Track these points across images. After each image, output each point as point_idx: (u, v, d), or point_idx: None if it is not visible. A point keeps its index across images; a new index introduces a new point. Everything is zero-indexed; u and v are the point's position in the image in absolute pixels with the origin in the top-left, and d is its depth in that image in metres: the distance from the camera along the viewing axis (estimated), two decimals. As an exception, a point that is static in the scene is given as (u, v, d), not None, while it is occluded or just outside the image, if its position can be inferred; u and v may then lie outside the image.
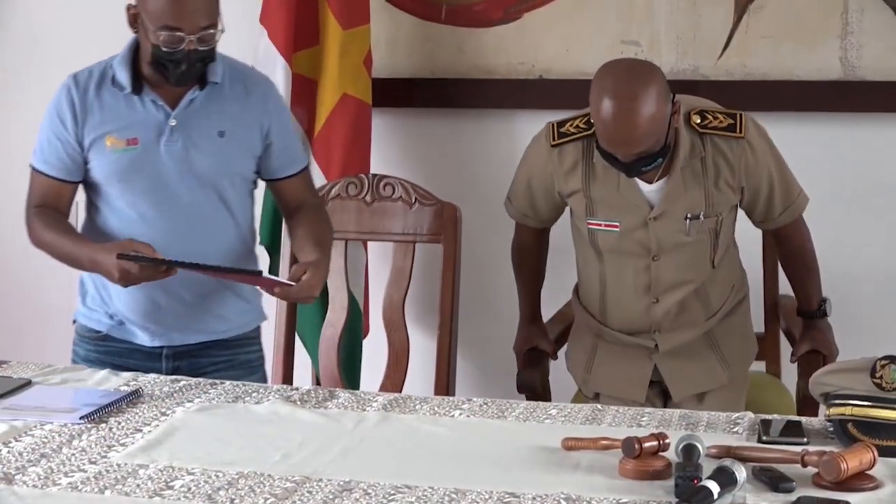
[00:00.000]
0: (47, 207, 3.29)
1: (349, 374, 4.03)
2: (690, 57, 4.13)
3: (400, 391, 3.61)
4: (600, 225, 3.43)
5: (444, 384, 3.68)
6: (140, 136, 3.23)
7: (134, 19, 3.20)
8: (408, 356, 3.72)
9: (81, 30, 4.49)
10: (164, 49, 3.12)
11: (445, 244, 3.71)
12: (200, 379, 3.10)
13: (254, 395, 2.98)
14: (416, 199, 3.73)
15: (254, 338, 3.50)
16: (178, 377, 3.11)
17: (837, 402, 2.68)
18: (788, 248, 3.62)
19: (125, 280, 3.07)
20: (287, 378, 3.74)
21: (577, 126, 3.43)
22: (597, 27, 4.18)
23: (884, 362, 2.64)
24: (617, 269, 3.48)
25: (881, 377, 2.63)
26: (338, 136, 4.15)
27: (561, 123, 3.47)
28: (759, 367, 3.83)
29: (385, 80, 4.26)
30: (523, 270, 3.79)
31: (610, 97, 3.19)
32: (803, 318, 3.68)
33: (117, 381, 3.04)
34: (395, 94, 4.30)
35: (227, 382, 3.06)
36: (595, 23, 4.18)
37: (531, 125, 4.18)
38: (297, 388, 3.05)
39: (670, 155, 3.32)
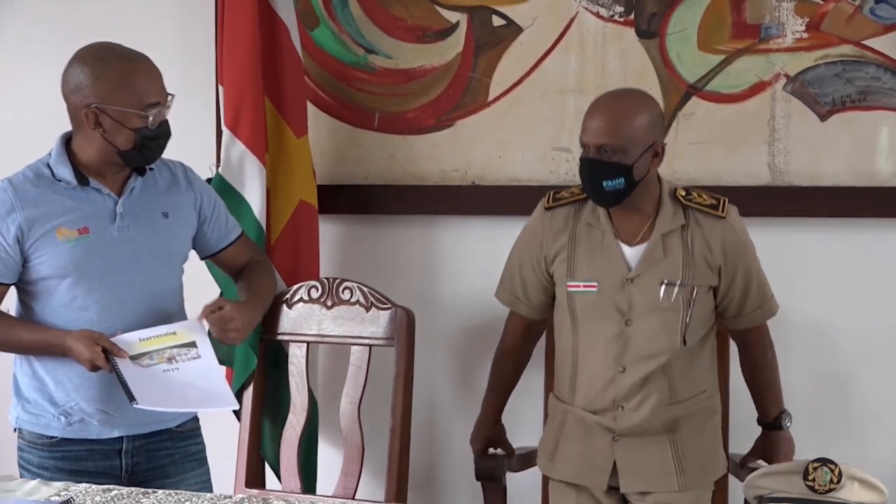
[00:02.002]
0: None
1: (308, 473, 4.07)
2: (621, 163, 4.17)
3: (355, 490, 3.71)
4: (579, 286, 3.51)
5: (396, 485, 3.73)
6: (90, 225, 3.31)
7: (96, 118, 3.26)
8: (362, 456, 3.75)
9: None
10: (150, 128, 3.26)
11: (399, 347, 3.74)
12: (133, 488, 3.07)
13: (187, 503, 2.96)
14: (372, 302, 3.77)
15: (196, 429, 3.57)
16: (110, 486, 3.07)
17: (771, 504, 2.69)
18: (752, 355, 3.68)
19: (94, 368, 3.20)
20: (257, 476, 3.92)
21: (572, 192, 3.60)
22: (528, 134, 4.23)
23: (816, 465, 2.66)
24: (590, 334, 3.51)
25: (814, 479, 2.65)
26: (296, 242, 4.19)
27: (558, 191, 3.63)
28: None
29: (319, 187, 4.27)
30: (500, 371, 3.82)
31: (602, 95, 3.50)
32: (762, 428, 3.73)
33: (48, 491, 3.00)
34: (329, 200, 4.31)
35: (160, 492, 3.03)
36: (526, 130, 4.23)
37: (466, 231, 4.24)
38: (229, 496, 3.03)
39: (651, 222, 3.48)
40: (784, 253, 4.08)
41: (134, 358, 3.22)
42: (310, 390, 3.88)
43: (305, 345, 3.86)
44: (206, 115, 4.27)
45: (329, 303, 3.83)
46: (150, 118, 3.25)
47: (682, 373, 3.51)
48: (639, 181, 3.41)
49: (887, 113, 4.02)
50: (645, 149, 3.39)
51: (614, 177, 3.38)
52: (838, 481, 2.66)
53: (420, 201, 4.31)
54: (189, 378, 3.26)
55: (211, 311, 3.36)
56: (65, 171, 3.32)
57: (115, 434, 3.36)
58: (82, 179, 3.32)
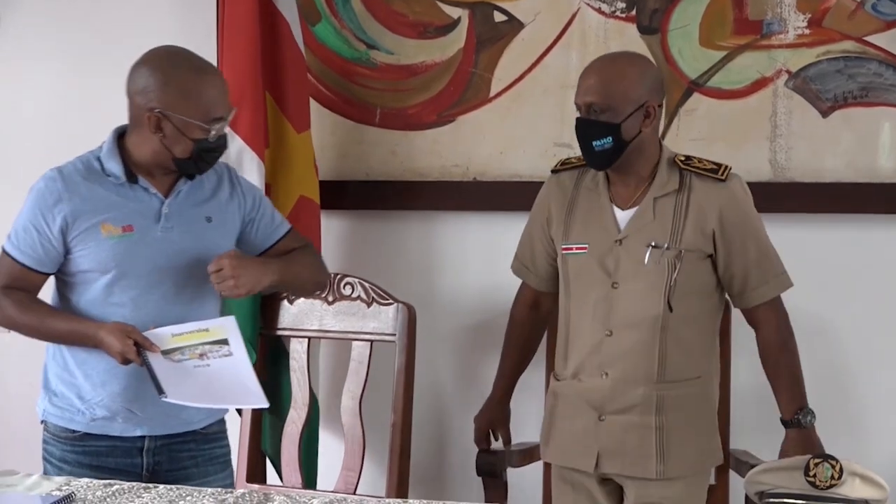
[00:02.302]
0: (17, 290, 3.34)
1: (309, 468, 4.09)
2: (623, 159, 4.18)
3: (356, 485, 3.74)
4: (571, 248, 3.51)
5: (398, 480, 3.76)
6: (135, 224, 3.31)
7: (158, 123, 3.25)
8: (363, 451, 3.78)
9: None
10: (210, 141, 3.25)
11: (400, 343, 3.76)
12: (134, 483, 3.07)
13: (188, 498, 2.94)
14: (373, 298, 3.78)
15: (222, 432, 3.56)
16: (112, 481, 3.07)
17: (772, 500, 2.69)
18: (765, 337, 3.56)
19: (125, 361, 3.19)
20: (258, 471, 3.96)
21: (579, 158, 3.57)
22: (529, 130, 4.23)
23: (817, 461, 2.66)
24: (580, 297, 3.49)
25: (814, 475, 2.65)
26: None
27: (568, 158, 3.68)
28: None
29: (320, 182, 4.27)
30: (509, 344, 3.82)
31: (597, 58, 3.52)
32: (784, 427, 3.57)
33: (49, 486, 2.99)
34: (330, 195, 4.31)
35: (161, 486, 3.03)
36: (528, 126, 4.23)
37: (467, 227, 4.24)
38: (230, 491, 3.02)
39: (647, 186, 3.45)
40: (785, 249, 4.06)
41: (165, 353, 3.22)
42: (310, 386, 3.89)
43: (306, 340, 3.87)
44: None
45: (330, 298, 3.84)
46: (213, 132, 3.24)
47: (674, 351, 3.44)
48: (629, 141, 3.38)
49: (889, 109, 4.02)
50: (635, 108, 3.37)
51: (602, 136, 3.36)
52: (839, 477, 2.66)
53: (421, 197, 4.32)
54: (219, 375, 3.25)
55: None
56: (115, 167, 3.32)
57: (138, 433, 3.36)
58: (131, 177, 3.32)
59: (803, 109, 4.06)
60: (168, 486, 3.03)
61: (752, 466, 3.18)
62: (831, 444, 3.41)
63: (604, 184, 3.51)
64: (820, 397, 4.01)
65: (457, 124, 4.30)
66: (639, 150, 3.43)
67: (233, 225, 3.46)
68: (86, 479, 3.07)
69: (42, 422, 3.44)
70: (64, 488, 2.98)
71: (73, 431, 3.37)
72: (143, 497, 2.95)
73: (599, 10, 4.18)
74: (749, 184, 3.97)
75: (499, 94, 4.26)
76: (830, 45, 4.04)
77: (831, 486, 2.65)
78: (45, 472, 3.35)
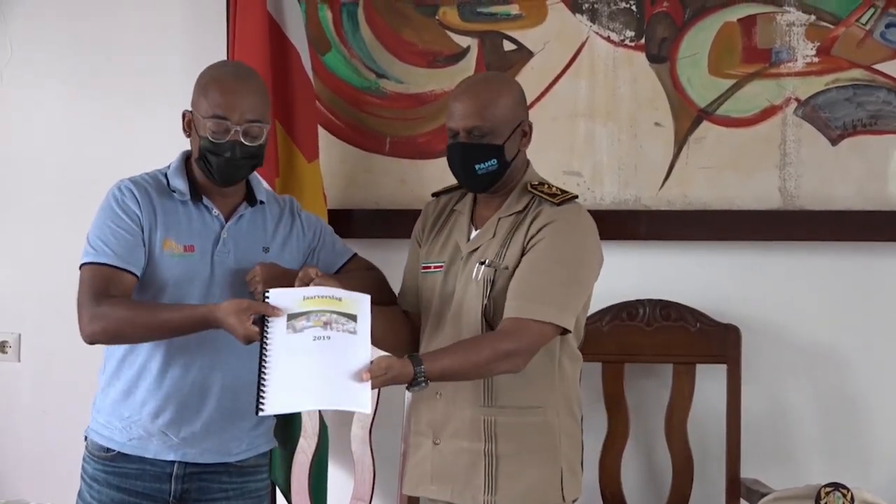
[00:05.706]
0: (112, 296, 3.20)
1: (318, 497, 4.04)
2: (632, 187, 4.18)
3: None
4: (430, 267, 3.44)
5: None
6: (196, 244, 3.30)
7: (189, 125, 3.30)
8: (374, 481, 3.81)
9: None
10: (211, 140, 3.22)
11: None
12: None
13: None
14: None
15: (260, 466, 3.47)
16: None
17: (784, 529, 2.68)
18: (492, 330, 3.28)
19: (248, 341, 3.06)
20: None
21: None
22: (539, 159, 4.16)
23: (828, 489, 2.65)
24: (427, 315, 3.41)
25: (826, 504, 2.64)
26: None
27: (452, 184, 3.54)
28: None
29: (330, 211, 4.27)
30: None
31: (462, 82, 3.44)
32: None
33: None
34: (340, 224, 4.30)
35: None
36: (537, 154, 4.17)
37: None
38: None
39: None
40: (795, 277, 4.08)
41: (291, 317, 3.06)
42: (320, 415, 3.88)
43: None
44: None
45: (342, 328, 3.82)
46: (209, 126, 3.21)
47: (503, 375, 3.24)
48: (510, 161, 3.34)
49: (898, 137, 4.03)
50: (513, 128, 3.33)
51: (487, 159, 3.30)
52: (851, 506, 2.65)
53: (431, 226, 4.31)
54: (335, 356, 3.04)
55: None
56: (180, 183, 3.32)
57: (171, 457, 3.31)
58: (195, 194, 3.32)
59: (813, 137, 4.07)
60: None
61: (763, 495, 3.18)
62: (842, 471, 3.40)
63: (469, 205, 3.45)
64: (830, 424, 4.02)
65: (466, 153, 4.29)
66: (515, 170, 3.38)
67: (290, 257, 3.41)
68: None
69: (85, 438, 3.41)
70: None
71: (109, 450, 3.33)
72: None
73: (608, 39, 4.20)
74: (759, 212, 3.98)
75: (508, 123, 4.26)
76: (839, 73, 4.05)
77: (843, 514, 2.64)
78: (80, 488, 3.36)
